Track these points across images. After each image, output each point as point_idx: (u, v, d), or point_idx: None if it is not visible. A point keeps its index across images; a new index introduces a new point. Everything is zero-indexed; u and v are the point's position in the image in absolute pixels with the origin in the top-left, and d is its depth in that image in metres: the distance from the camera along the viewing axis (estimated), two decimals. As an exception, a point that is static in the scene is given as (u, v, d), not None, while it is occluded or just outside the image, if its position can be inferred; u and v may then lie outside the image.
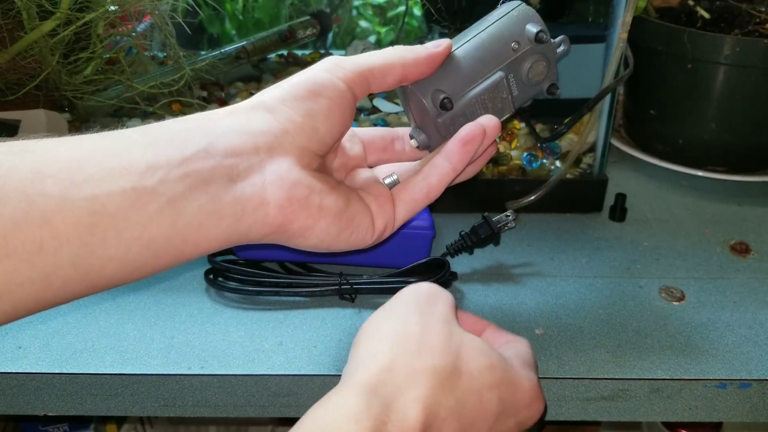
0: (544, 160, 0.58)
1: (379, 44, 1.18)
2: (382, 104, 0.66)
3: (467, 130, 0.38)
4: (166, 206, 0.31)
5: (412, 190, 0.39)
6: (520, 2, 0.40)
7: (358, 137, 0.42)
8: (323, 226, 0.35)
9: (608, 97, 0.55)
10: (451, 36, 0.40)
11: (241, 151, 0.33)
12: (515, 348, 0.38)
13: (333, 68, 0.36)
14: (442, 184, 0.39)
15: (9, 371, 0.41)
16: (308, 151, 0.35)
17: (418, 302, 0.36)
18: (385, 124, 0.63)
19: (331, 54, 0.89)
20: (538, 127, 0.59)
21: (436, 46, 0.38)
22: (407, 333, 0.33)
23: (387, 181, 0.39)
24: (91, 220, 0.29)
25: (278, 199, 0.34)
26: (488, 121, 0.38)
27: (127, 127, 0.33)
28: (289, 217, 0.34)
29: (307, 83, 0.36)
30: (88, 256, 0.29)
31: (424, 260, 0.48)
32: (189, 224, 0.31)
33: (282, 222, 0.34)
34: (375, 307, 0.47)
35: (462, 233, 0.49)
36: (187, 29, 0.68)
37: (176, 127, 0.33)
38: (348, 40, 1.16)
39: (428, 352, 0.32)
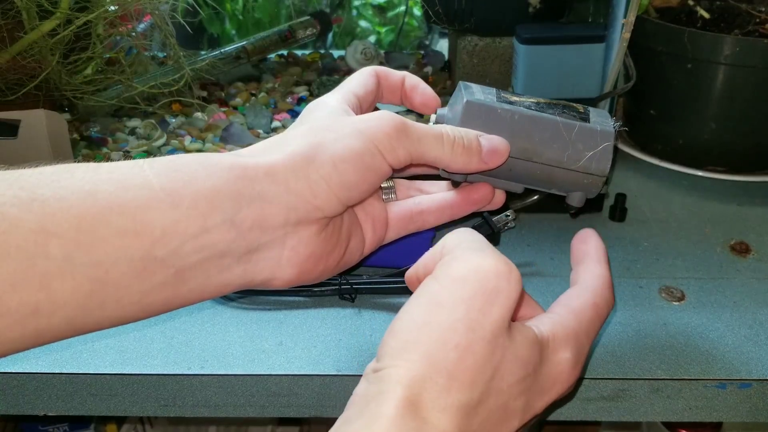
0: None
1: (379, 44, 1.19)
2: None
3: (480, 194, 0.39)
4: (171, 276, 0.29)
5: (407, 220, 0.40)
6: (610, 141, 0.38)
7: None
8: (315, 278, 0.35)
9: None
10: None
11: (269, 226, 0.32)
12: (562, 318, 0.33)
13: (389, 148, 0.34)
14: (437, 224, 0.40)
15: (9, 371, 0.41)
16: (332, 217, 0.34)
17: (471, 305, 0.29)
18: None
19: (331, 54, 0.89)
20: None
21: (491, 157, 0.37)
22: (441, 360, 0.28)
23: (384, 184, 0.40)
24: (91, 287, 0.28)
25: (287, 277, 0.33)
26: (498, 195, 0.40)
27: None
28: (290, 285, 0.34)
29: (356, 167, 0.33)
30: (83, 317, 0.28)
31: (424, 260, 0.48)
32: (191, 291, 0.31)
33: (280, 288, 0.34)
34: (375, 307, 0.47)
35: (462, 233, 0.49)
36: (187, 29, 0.68)
37: (207, 185, 0.30)
38: (348, 40, 1.16)
39: (457, 387, 0.28)
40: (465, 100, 0.38)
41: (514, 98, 0.39)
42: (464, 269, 0.30)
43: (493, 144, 0.37)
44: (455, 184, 0.40)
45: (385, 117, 0.34)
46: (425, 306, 0.30)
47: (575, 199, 0.39)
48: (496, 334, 0.29)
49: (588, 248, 0.38)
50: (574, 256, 0.39)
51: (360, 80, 0.40)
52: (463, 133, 0.37)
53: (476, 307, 0.29)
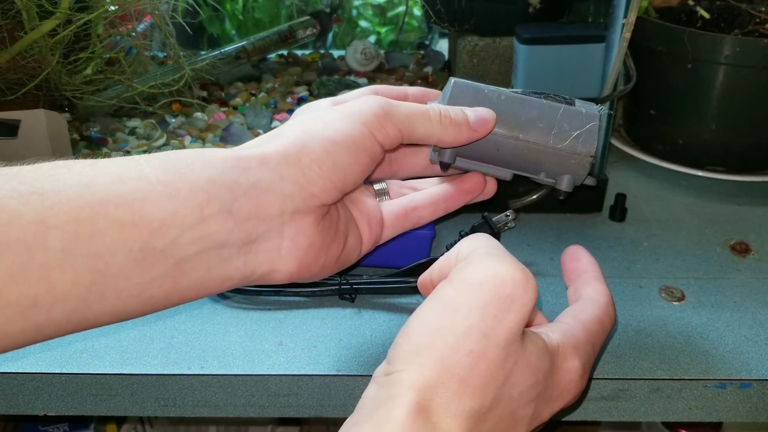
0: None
1: (379, 44, 1.19)
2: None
3: (472, 183, 0.40)
4: (171, 268, 0.29)
5: (402, 217, 0.40)
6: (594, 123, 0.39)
7: None
8: (315, 273, 0.36)
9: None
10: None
11: (266, 216, 0.32)
12: (571, 328, 0.34)
13: (378, 127, 0.34)
14: (432, 218, 0.41)
15: (9, 371, 0.41)
16: (328, 205, 0.35)
17: (486, 311, 0.29)
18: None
19: (331, 54, 0.89)
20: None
21: (480, 125, 0.38)
22: (454, 366, 0.28)
23: (376, 187, 0.40)
24: (91, 278, 0.28)
25: (288, 269, 0.34)
26: (490, 184, 0.41)
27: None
28: (292, 279, 0.34)
29: (348, 148, 0.33)
30: (83, 310, 0.28)
31: (424, 260, 0.48)
32: (192, 284, 0.31)
33: (282, 282, 0.34)
34: (375, 307, 0.47)
35: (462, 233, 0.49)
36: (187, 29, 0.68)
37: (203, 176, 0.30)
38: (348, 40, 1.16)
39: (469, 393, 0.28)
40: (453, 80, 0.40)
41: (502, 89, 0.41)
42: (480, 275, 0.30)
43: (478, 113, 0.38)
44: (444, 167, 0.40)
45: (371, 99, 0.35)
46: (439, 310, 0.30)
47: (563, 183, 0.40)
48: (509, 342, 0.29)
49: (583, 266, 0.39)
50: (567, 273, 0.40)
51: (356, 96, 0.41)
52: (448, 108, 0.38)
53: (491, 313, 0.29)
